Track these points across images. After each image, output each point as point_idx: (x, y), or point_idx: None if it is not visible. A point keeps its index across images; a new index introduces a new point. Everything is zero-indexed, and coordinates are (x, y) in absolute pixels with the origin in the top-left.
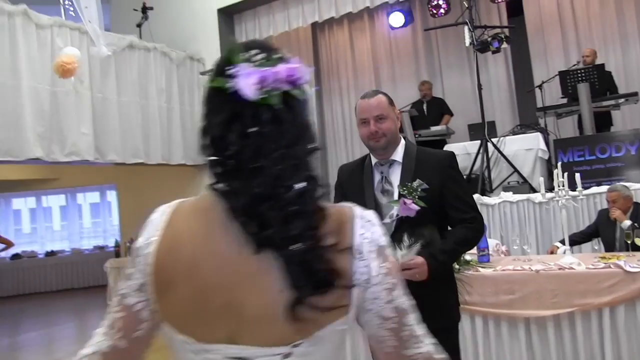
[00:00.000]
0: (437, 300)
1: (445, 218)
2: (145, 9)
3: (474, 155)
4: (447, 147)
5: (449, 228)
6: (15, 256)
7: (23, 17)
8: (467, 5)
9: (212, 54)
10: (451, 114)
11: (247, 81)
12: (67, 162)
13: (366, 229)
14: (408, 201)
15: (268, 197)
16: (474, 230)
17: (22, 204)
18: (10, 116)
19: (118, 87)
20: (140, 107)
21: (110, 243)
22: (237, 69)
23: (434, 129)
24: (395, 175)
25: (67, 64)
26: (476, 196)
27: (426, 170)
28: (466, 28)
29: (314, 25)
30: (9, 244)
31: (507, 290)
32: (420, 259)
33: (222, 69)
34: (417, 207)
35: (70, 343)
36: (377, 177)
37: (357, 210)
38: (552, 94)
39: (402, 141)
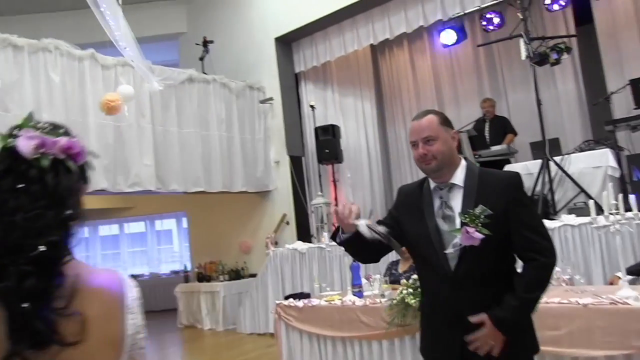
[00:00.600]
0: None
1: (511, 245)
2: (206, 43)
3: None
4: (508, 167)
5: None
6: None
7: (90, 60)
8: (521, 17)
9: (271, 82)
10: (515, 133)
11: (27, 142)
12: (131, 193)
13: (132, 289)
14: (471, 229)
15: (13, 251)
16: (540, 267)
17: (107, 230)
18: None
19: (178, 119)
20: (200, 138)
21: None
22: (22, 132)
23: (494, 148)
24: (456, 200)
25: (111, 102)
26: None
27: (489, 194)
28: (521, 41)
29: (374, 47)
30: None
31: (551, 326)
32: (486, 331)
33: (12, 131)
34: (480, 236)
35: None
36: (436, 202)
37: (123, 274)
38: (629, 106)
39: (463, 162)
